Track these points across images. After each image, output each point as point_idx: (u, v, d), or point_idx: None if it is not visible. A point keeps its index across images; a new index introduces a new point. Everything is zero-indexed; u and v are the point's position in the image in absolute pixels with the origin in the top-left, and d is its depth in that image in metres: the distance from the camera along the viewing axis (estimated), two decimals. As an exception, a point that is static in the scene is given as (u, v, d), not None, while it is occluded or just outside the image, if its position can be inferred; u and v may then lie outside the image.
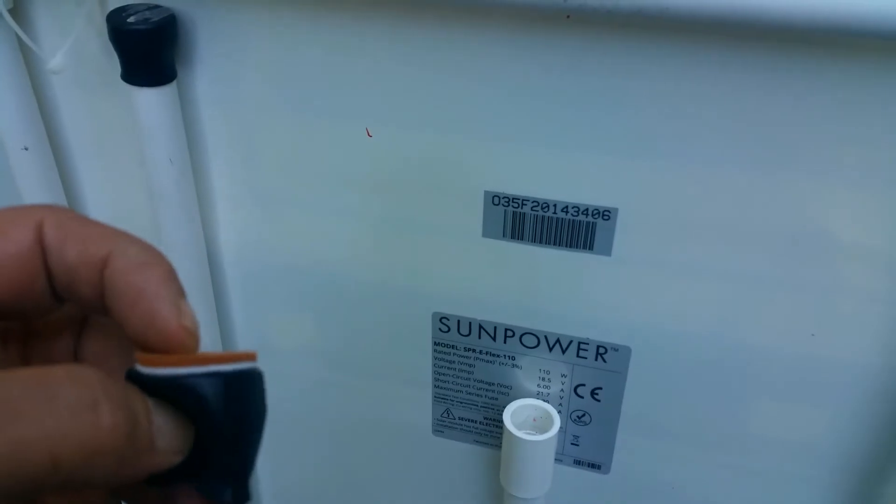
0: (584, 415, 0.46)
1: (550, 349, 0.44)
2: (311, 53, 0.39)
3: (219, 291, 0.50)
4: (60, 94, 0.45)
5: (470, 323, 0.45)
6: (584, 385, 0.45)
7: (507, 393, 0.47)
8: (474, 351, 0.46)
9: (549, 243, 0.40)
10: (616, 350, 0.43)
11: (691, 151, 0.36)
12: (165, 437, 0.17)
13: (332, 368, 0.51)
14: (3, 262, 0.18)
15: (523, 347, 0.44)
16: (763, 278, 0.38)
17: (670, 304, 0.40)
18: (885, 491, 0.42)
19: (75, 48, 0.41)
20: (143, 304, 0.18)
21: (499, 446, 0.48)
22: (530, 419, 0.45)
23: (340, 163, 0.42)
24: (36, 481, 0.15)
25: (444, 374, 0.47)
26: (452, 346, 0.46)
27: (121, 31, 0.38)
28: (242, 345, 0.52)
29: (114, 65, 0.40)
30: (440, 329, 0.46)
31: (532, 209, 0.39)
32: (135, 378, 0.18)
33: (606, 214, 0.38)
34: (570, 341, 0.43)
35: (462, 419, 0.49)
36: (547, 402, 0.45)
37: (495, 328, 0.44)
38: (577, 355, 0.44)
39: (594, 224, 0.39)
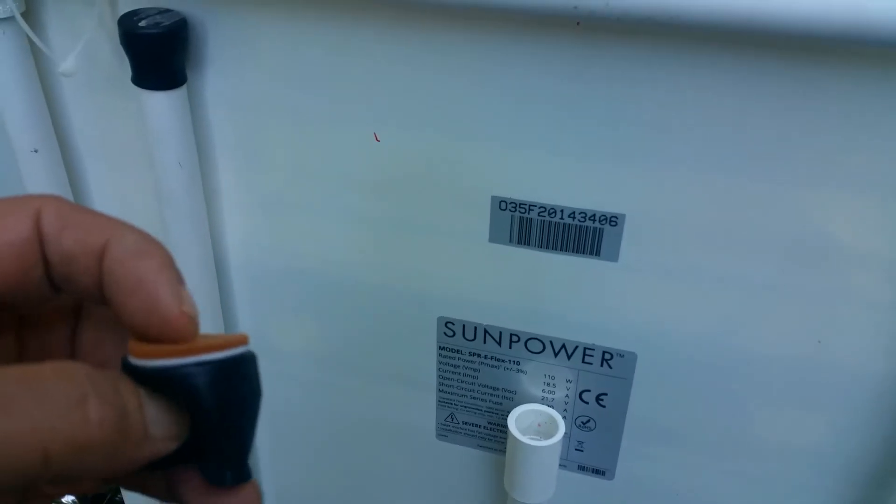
0: (588, 420, 0.46)
1: (556, 354, 0.44)
2: (321, 58, 0.39)
3: (225, 294, 0.50)
4: (70, 96, 0.46)
5: (475, 327, 0.45)
6: (589, 391, 0.45)
7: (512, 398, 0.47)
8: (479, 355, 0.46)
9: (556, 249, 0.40)
10: (622, 356, 0.43)
11: (699, 158, 0.36)
12: (159, 425, 0.17)
13: (337, 371, 0.51)
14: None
15: (528, 352, 0.45)
16: (769, 285, 0.38)
17: (676, 311, 0.40)
18: (890, 499, 0.42)
19: (86, 51, 0.41)
20: (143, 292, 0.18)
21: (503, 451, 0.48)
22: (535, 424, 0.45)
23: (348, 167, 0.42)
24: (27, 475, 0.15)
25: (448, 379, 0.48)
26: (457, 351, 0.46)
27: (132, 34, 0.38)
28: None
29: (124, 68, 0.41)
30: (445, 333, 0.46)
31: (539, 214, 0.39)
32: (128, 368, 0.18)
33: (613, 220, 0.38)
34: (576, 347, 0.43)
35: (466, 424, 0.49)
36: (552, 407, 0.45)
37: (500, 333, 0.44)
38: (583, 361, 0.44)
39: (601, 230, 0.39)
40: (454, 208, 0.41)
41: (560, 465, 0.47)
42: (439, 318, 0.45)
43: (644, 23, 0.30)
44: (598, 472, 0.48)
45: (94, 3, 0.41)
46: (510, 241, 0.41)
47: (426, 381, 0.48)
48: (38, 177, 0.46)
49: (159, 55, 0.39)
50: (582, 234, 0.39)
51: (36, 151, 0.45)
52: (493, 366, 0.46)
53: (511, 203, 0.40)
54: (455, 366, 0.47)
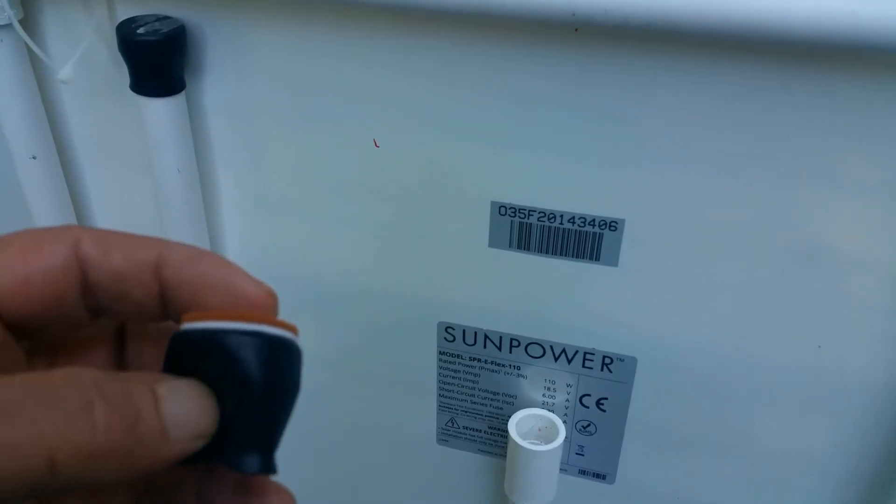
0: (589, 425, 0.46)
1: (556, 359, 0.44)
2: (320, 63, 0.39)
3: (225, 300, 0.50)
4: (69, 103, 0.46)
5: (475, 332, 0.45)
6: (589, 395, 0.45)
7: (513, 402, 0.47)
8: (480, 360, 0.46)
9: (556, 254, 0.40)
10: (622, 360, 0.43)
11: (698, 163, 0.36)
12: (181, 425, 0.17)
13: (337, 376, 0.51)
14: (32, 276, 0.18)
15: (529, 357, 0.45)
16: (769, 290, 0.38)
17: (676, 315, 0.40)
18: (891, 502, 0.42)
19: (85, 58, 0.41)
20: (223, 283, 0.18)
21: (504, 456, 0.48)
22: (535, 429, 0.45)
23: (347, 172, 0.42)
24: (34, 484, 0.15)
25: (449, 384, 0.48)
26: (458, 356, 0.46)
27: (130, 41, 0.38)
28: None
29: (123, 75, 0.41)
30: (445, 338, 0.46)
31: (539, 220, 0.39)
32: (177, 339, 0.18)
33: (613, 225, 0.38)
34: (576, 351, 0.43)
35: (467, 428, 0.49)
36: (552, 411, 0.45)
37: (501, 338, 0.44)
38: (583, 365, 0.44)
39: (601, 235, 0.39)
40: (454, 213, 0.41)
41: (561, 469, 0.47)
42: (439, 323, 0.45)
43: (642, 29, 0.30)
44: (598, 476, 0.48)
45: (92, 11, 0.41)
46: (510, 246, 0.41)
47: (426, 386, 0.48)
48: (36, 184, 0.46)
49: (158, 62, 0.39)
50: (581, 239, 0.39)
51: (34, 158, 0.45)
52: (493, 370, 0.46)
53: (511, 208, 0.40)
54: (455, 370, 0.47)
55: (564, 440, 0.44)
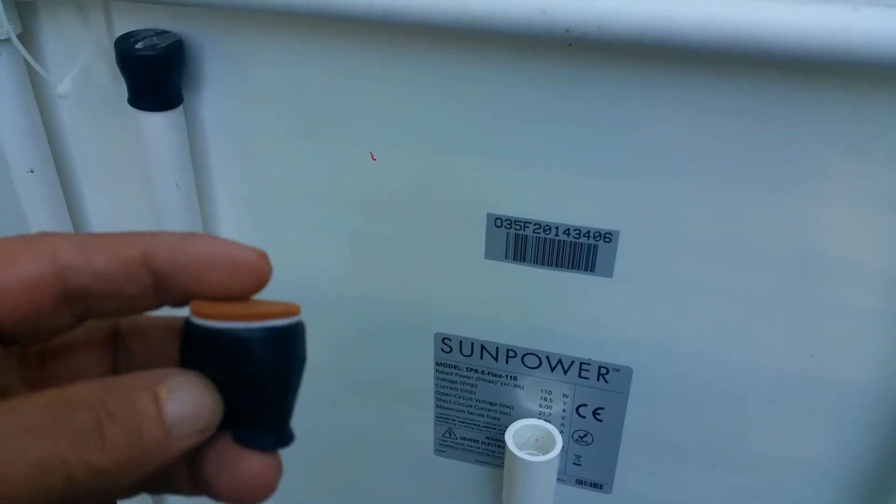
0: (585, 435, 0.46)
1: (552, 369, 0.44)
2: (316, 78, 0.39)
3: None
4: (67, 117, 0.46)
5: (472, 343, 0.45)
6: (585, 405, 0.45)
7: (509, 413, 0.47)
8: (476, 371, 0.46)
9: (551, 265, 0.40)
10: (618, 370, 0.43)
11: (692, 175, 0.36)
12: (185, 423, 0.18)
13: (335, 388, 0.51)
14: (6, 288, 0.18)
15: (525, 368, 0.45)
16: (763, 299, 0.38)
17: (671, 325, 0.40)
18: (885, 510, 0.42)
19: (83, 73, 0.41)
20: (218, 260, 0.19)
21: (501, 466, 0.48)
22: (532, 439, 0.45)
23: (344, 185, 0.42)
24: (53, 498, 0.16)
25: (446, 395, 0.48)
26: (454, 367, 0.46)
27: (128, 56, 0.38)
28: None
29: (121, 89, 0.41)
30: (442, 349, 0.46)
31: (534, 231, 0.40)
32: (189, 328, 0.19)
33: (608, 237, 0.39)
34: (572, 362, 0.43)
35: (464, 439, 0.49)
36: (549, 422, 0.46)
37: (497, 349, 0.45)
38: (579, 376, 0.44)
39: (596, 246, 0.39)
40: (450, 225, 0.41)
41: (558, 479, 0.47)
42: (436, 335, 0.45)
43: (635, 45, 0.31)
44: (595, 486, 0.48)
45: (90, 26, 0.41)
46: (506, 257, 0.41)
47: (423, 397, 0.48)
48: (34, 197, 0.46)
49: (156, 76, 0.39)
50: (577, 251, 0.40)
51: (32, 172, 0.45)
52: (490, 381, 0.46)
53: (506, 220, 0.40)
54: (452, 381, 0.47)
55: (561, 450, 0.44)
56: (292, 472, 0.60)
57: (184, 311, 0.20)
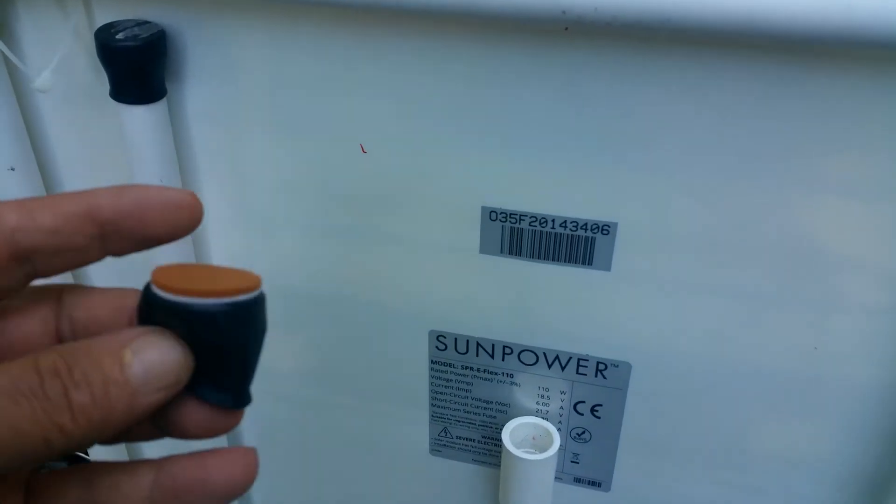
0: (583, 432, 0.45)
1: (549, 366, 0.43)
2: (304, 68, 0.38)
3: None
4: (47, 112, 0.45)
5: (467, 340, 0.44)
6: (583, 402, 0.44)
7: (506, 411, 0.46)
8: (472, 369, 0.45)
9: (548, 259, 0.40)
10: (616, 366, 0.42)
11: (692, 166, 0.35)
12: (151, 381, 0.19)
13: (328, 388, 0.50)
14: None
15: (522, 364, 0.44)
16: (765, 293, 0.38)
17: (671, 320, 0.40)
18: (890, 505, 0.41)
19: (62, 66, 0.40)
20: (155, 202, 0.20)
21: (498, 465, 0.48)
22: (529, 437, 0.45)
23: (334, 179, 0.41)
24: (34, 458, 0.18)
25: (441, 393, 0.47)
26: (449, 365, 0.45)
27: (109, 47, 0.37)
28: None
29: (102, 82, 0.40)
30: (437, 347, 0.45)
31: (530, 224, 0.39)
32: (148, 300, 0.20)
33: (606, 229, 0.38)
34: (570, 358, 0.43)
35: (460, 438, 0.48)
36: (546, 419, 0.45)
37: (493, 345, 0.44)
38: (577, 372, 0.43)
39: (593, 239, 0.38)
40: (443, 220, 0.40)
41: (556, 477, 0.46)
42: (430, 332, 0.44)
43: (633, 27, 0.30)
44: (594, 483, 0.47)
45: (69, 16, 0.40)
46: (501, 251, 0.40)
47: (418, 396, 0.47)
48: (15, 195, 0.44)
49: (138, 68, 0.38)
50: (574, 244, 0.39)
51: (13, 170, 0.44)
52: (486, 379, 0.45)
53: (501, 213, 0.39)
54: (447, 380, 0.46)
55: (559, 448, 0.44)
56: (286, 473, 0.59)
57: (127, 270, 0.20)
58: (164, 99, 0.40)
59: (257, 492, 0.58)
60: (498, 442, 0.46)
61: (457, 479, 0.50)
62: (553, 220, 0.38)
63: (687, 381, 0.41)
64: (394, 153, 0.39)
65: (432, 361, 0.46)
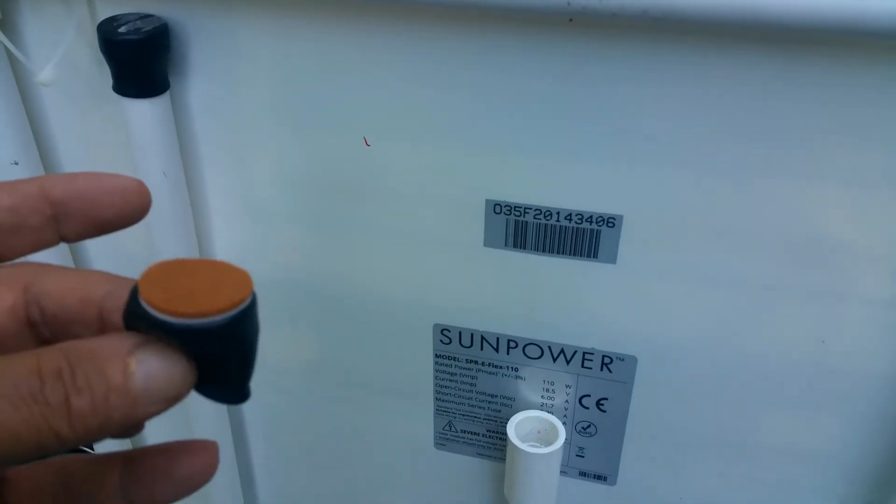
0: (589, 426, 0.45)
1: (554, 360, 0.43)
2: (307, 62, 0.38)
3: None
4: (50, 106, 0.45)
5: (472, 334, 0.44)
6: (589, 396, 0.44)
7: (511, 405, 0.46)
8: (476, 363, 0.45)
9: (553, 252, 0.39)
10: (622, 360, 0.42)
11: (697, 157, 0.35)
12: (153, 393, 0.18)
13: (332, 382, 0.50)
14: None
15: (527, 358, 0.44)
16: (771, 285, 0.37)
17: (677, 313, 0.39)
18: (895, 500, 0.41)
19: (65, 59, 0.40)
20: (106, 186, 0.21)
21: (503, 459, 0.47)
22: (534, 431, 0.44)
23: (337, 173, 0.41)
24: (25, 459, 0.18)
25: (445, 387, 0.47)
26: (454, 358, 0.45)
27: (112, 41, 0.37)
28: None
29: (105, 76, 0.40)
30: (441, 341, 0.45)
31: (535, 217, 0.39)
32: (138, 313, 0.19)
33: (611, 222, 0.38)
34: (575, 351, 0.42)
35: (465, 432, 0.48)
36: (551, 413, 0.45)
37: (498, 339, 0.44)
38: (582, 366, 0.43)
39: (599, 232, 0.38)
40: (448, 213, 0.40)
41: (561, 471, 0.46)
42: (435, 326, 0.44)
43: (638, 18, 0.30)
44: (599, 477, 0.47)
45: (72, 10, 0.40)
46: (506, 245, 0.40)
47: (423, 390, 0.47)
48: (19, 189, 0.45)
49: (140, 62, 0.38)
50: (579, 237, 0.38)
51: (16, 164, 0.44)
52: (490, 372, 0.45)
53: (506, 206, 0.39)
54: (452, 373, 0.46)
55: (564, 442, 0.43)
56: (291, 467, 0.59)
57: (128, 268, 0.20)
58: (167, 92, 0.40)
59: (263, 484, 0.58)
60: (503, 436, 0.46)
61: (461, 472, 0.50)
62: (558, 213, 0.38)
63: (693, 374, 0.41)
64: (397, 146, 0.39)
65: (436, 355, 0.45)
